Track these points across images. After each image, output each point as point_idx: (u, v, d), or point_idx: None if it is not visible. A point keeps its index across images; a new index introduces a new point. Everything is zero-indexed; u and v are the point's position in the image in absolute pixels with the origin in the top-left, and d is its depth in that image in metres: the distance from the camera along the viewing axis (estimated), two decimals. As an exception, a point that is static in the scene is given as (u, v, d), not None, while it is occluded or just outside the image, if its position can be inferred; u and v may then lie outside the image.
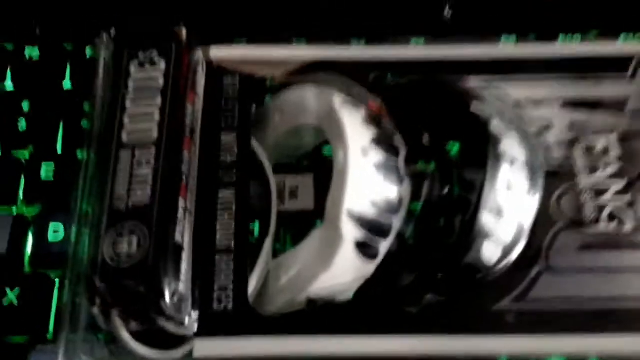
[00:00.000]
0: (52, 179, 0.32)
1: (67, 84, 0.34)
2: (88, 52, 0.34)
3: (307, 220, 0.29)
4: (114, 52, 0.29)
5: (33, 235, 0.31)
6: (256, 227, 0.28)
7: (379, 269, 0.26)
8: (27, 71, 0.34)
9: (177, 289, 0.25)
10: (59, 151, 0.32)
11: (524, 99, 0.30)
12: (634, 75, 0.30)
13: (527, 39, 0.32)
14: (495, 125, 0.27)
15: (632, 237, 0.27)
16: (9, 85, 0.34)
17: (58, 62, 0.34)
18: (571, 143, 0.29)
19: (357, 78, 0.30)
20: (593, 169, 0.28)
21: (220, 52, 0.31)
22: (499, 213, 0.26)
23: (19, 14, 0.35)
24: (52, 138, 0.32)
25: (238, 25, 0.34)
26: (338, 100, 0.28)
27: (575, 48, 0.31)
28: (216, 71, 0.30)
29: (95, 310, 0.25)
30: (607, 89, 0.30)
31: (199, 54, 0.30)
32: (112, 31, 0.30)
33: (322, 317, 0.26)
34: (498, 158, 0.26)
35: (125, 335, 0.25)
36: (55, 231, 0.31)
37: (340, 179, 0.26)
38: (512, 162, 0.27)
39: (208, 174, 0.28)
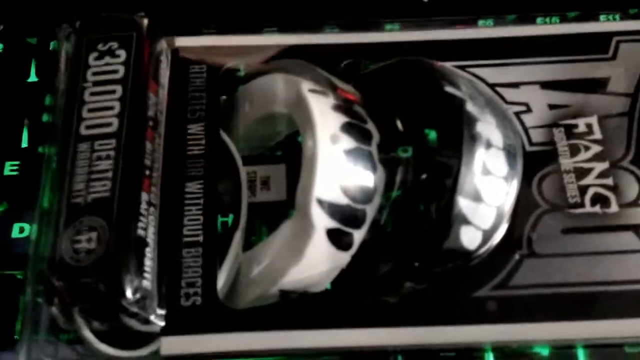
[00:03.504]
0: (17, 176, 0.31)
1: (32, 79, 0.33)
2: (52, 45, 0.33)
3: (281, 211, 0.28)
4: (74, 44, 0.28)
5: (-3, 234, 0.30)
6: (229, 220, 0.27)
7: (355, 258, 0.26)
8: (-10, 67, 0.33)
9: (140, 285, 0.24)
10: (24, 147, 0.31)
11: (503, 81, 0.29)
12: (614, 56, 0.29)
13: (505, 21, 0.31)
14: (470, 107, 0.26)
15: (617, 219, 0.27)
16: (-28, 81, 0.33)
17: (22, 57, 0.33)
18: (551, 125, 0.28)
19: (329, 65, 0.29)
20: (574, 151, 0.28)
21: (186, 42, 0.30)
22: (476, 198, 0.25)
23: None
24: (17, 134, 0.32)
25: (207, 15, 0.34)
26: (306, 87, 0.27)
27: (554, 29, 0.30)
28: (182, 61, 0.29)
29: (55, 311, 0.24)
30: (588, 70, 0.29)
31: (162, 44, 0.29)
32: (76, 23, 0.29)
33: (296, 310, 0.25)
34: (473, 141, 0.26)
35: (88, 335, 0.24)
36: (21, 230, 0.30)
37: (309, 167, 0.25)
38: (488, 145, 0.26)
39: (174, 166, 0.27)
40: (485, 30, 0.31)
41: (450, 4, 0.34)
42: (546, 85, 0.29)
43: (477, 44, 0.30)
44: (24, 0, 0.35)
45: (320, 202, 0.25)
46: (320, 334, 0.25)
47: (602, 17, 0.31)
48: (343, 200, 0.25)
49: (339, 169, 0.26)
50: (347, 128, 0.26)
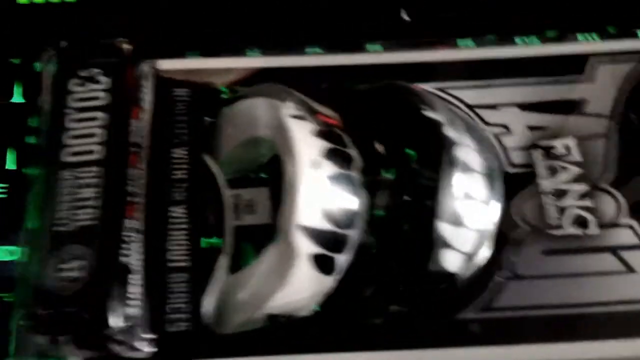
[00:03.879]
0: (4, 199, 0.31)
1: (16, 99, 0.33)
2: (37, 66, 0.33)
3: (267, 234, 0.27)
4: (57, 69, 0.28)
5: (-14, 257, 0.30)
6: (213, 243, 0.27)
7: (341, 281, 0.26)
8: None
9: (125, 312, 0.24)
10: (11, 169, 0.31)
11: (482, 102, 0.29)
12: (591, 78, 0.30)
13: (484, 41, 0.31)
14: (449, 131, 0.26)
15: (597, 240, 0.27)
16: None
17: (6, 78, 0.33)
18: (530, 147, 0.28)
19: (311, 87, 0.29)
20: (553, 173, 0.28)
21: (169, 65, 0.30)
22: (456, 221, 0.26)
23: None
24: (3, 155, 0.32)
25: (189, 38, 0.34)
26: (287, 112, 0.27)
27: (532, 50, 0.31)
28: (165, 84, 0.29)
29: (41, 340, 0.24)
30: (565, 91, 0.29)
31: (144, 68, 0.29)
32: (62, 43, 0.29)
33: (282, 334, 0.25)
34: (451, 164, 0.26)
35: (74, 363, 0.24)
36: (11, 253, 0.30)
37: (290, 193, 0.25)
38: (465, 169, 0.26)
39: (158, 191, 0.27)
40: (465, 52, 0.31)
41: (431, 24, 0.34)
42: (525, 106, 0.29)
43: (458, 66, 0.30)
44: (7, 21, 0.35)
45: (303, 228, 0.25)
46: (306, 359, 0.25)
47: (580, 37, 0.31)
48: (326, 225, 0.25)
49: (321, 194, 0.26)
50: (329, 153, 0.26)
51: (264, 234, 0.28)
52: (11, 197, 0.31)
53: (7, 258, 0.30)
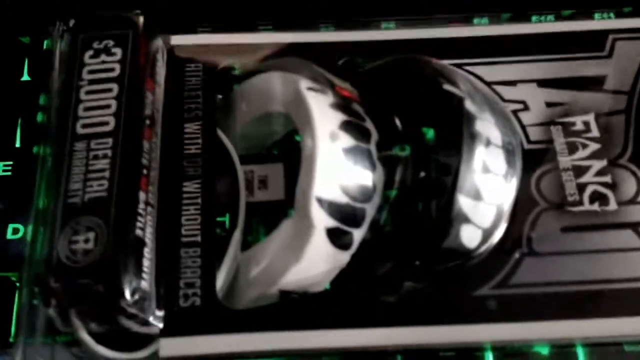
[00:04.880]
0: (10, 176, 0.30)
1: (25, 77, 0.33)
2: (45, 44, 0.33)
3: (279, 211, 0.27)
4: (69, 43, 0.28)
5: (-9, 235, 0.29)
6: (226, 219, 0.27)
7: (354, 257, 0.25)
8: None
9: (138, 286, 0.24)
10: (17, 146, 0.31)
11: (499, 79, 0.29)
12: (610, 54, 0.29)
13: (499, 19, 0.31)
14: (469, 105, 0.26)
15: (615, 217, 0.26)
16: (-36, 81, 0.33)
17: (15, 56, 0.33)
18: (549, 123, 0.28)
19: (325, 63, 0.29)
20: (572, 149, 0.28)
21: (181, 40, 0.29)
22: (476, 196, 0.25)
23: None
24: (10, 133, 0.31)
25: (202, 13, 0.33)
26: (304, 85, 0.27)
27: (549, 27, 0.30)
28: (178, 60, 0.29)
29: (52, 312, 0.24)
30: (584, 68, 0.29)
31: (158, 42, 0.29)
32: (71, 21, 0.29)
33: (295, 310, 0.25)
34: (473, 139, 0.25)
35: (85, 337, 0.24)
36: (15, 231, 0.30)
37: (308, 166, 0.25)
38: (487, 143, 0.26)
39: (171, 165, 0.27)
40: (480, 29, 0.31)
41: (445, 1, 0.34)
42: (543, 83, 0.29)
43: (473, 42, 0.30)
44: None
45: (320, 201, 0.25)
46: (320, 335, 0.24)
47: (596, 16, 0.31)
48: (343, 199, 0.25)
49: (339, 167, 0.25)
50: (346, 126, 0.26)
51: (275, 211, 0.28)
52: (16, 175, 0.31)
53: (13, 237, 0.29)
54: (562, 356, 0.25)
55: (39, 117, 0.31)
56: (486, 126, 0.26)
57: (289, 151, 0.29)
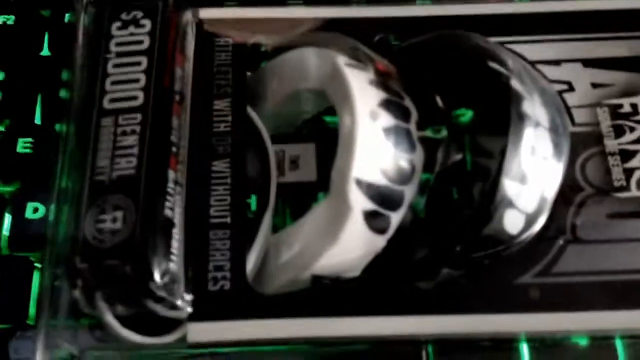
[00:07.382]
0: (30, 154, 0.30)
1: (45, 52, 0.32)
2: (67, 18, 0.32)
3: (309, 192, 0.27)
4: (95, 15, 0.27)
5: (11, 215, 0.29)
6: (253, 200, 0.26)
7: (389, 242, 0.25)
8: (2, 40, 0.32)
9: (167, 268, 0.23)
10: (38, 124, 0.30)
11: (543, 58, 0.28)
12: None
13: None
14: (516, 85, 0.25)
15: (665, 204, 0.26)
16: (-18, 55, 0.32)
17: (35, 30, 0.32)
18: (595, 105, 0.27)
19: (359, 40, 0.28)
20: (619, 132, 0.27)
21: (210, 14, 0.28)
22: (522, 180, 0.24)
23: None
24: (30, 110, 0.31)
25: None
26: (342, 61, 0.26)
27: (595, 4, 0.29)
28: (207, 34, 0.28)
29: (77, 294, 0.23)
30: (632, 47, 0.28)
31: (188, 15, 0.28)
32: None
33: (327, 296, 0.24)
34: (521, 120, 0.24)
35: (110, 320, 0.23)
36: (35, 210, 0.29)
37: (347, 145, 0.24)
38: (536, 125, 0.25)
39: (200, 143, 0.26)
40: (522, 6, 0.29)
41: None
42: (589, 62, 0.28)
43: (514, 19, 0.29)
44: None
45: (359, 182, 0.24)
46: (351, 322, 0.24)
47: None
48: (382, 180, 0.24)
49: (379, 147, 0.24)
50: (386, 104, 0.25)
51: (304, 192, 0.27)
52: (36, 152, 0.30)
53: (32, 216, 0.29)
54: (601, 348, 0.24)
55: (62, 93, 0.30)
56: (534, 106, 0.25)
57: (321, 131, 0.28)
